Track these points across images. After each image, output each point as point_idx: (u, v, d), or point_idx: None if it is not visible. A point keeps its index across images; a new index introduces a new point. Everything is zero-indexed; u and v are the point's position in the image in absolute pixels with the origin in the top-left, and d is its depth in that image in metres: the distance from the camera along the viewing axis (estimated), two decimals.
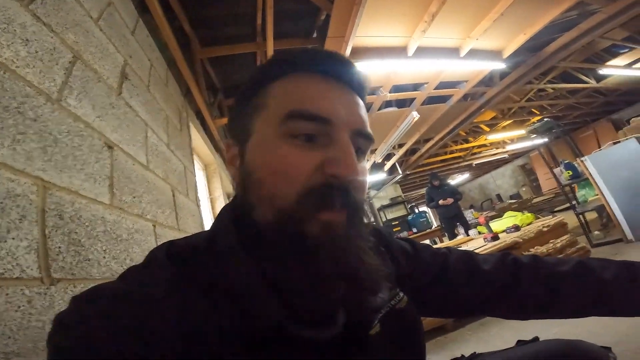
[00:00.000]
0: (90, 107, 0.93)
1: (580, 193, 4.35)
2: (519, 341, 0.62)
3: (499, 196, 12.24)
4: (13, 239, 0.59)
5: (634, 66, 5.38)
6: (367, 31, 2.49)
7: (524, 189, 11.96)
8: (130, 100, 1.26)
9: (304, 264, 0.36)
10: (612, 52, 4.98)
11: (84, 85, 0.94)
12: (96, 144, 0.95)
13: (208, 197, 2.96)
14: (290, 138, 0.39)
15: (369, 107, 4.03)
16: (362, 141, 0.43)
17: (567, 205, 4.43)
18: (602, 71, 5.23)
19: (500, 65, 3.36)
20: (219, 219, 0.44)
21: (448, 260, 0.59)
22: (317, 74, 0.42)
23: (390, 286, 0.47)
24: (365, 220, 0.43)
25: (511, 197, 10.70)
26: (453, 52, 3.04)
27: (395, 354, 0.45)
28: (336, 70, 0.43)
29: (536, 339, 0.60)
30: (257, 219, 0.39)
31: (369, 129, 0.44)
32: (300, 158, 0.38)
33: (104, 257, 0.86)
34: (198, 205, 2.02)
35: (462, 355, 0.63)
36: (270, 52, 2.34)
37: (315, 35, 2.60)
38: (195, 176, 2.16)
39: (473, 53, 3.08)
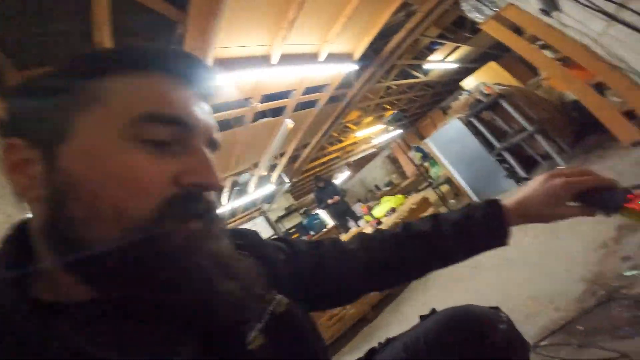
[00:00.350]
0: None
1: (433, 171, 5.24)
2: (420, 316, 0.64)
3: (377, 186, 13.68)
4: None
5: (446, 60, 6.83)
6: (227, 41, 2.43)
7: (394, 176, 13.69)
8: None
9: (159, 283, 0.32)
10: (431, 48, 6.19)
11: None
12: None
13: None
14: (138, 143, 0.33)
15: (241, 121, 3.96)
16: (213, 150, 0.41)
17: (426, 184, 5.30)
18: (426, 66, 6.42)
19: (353, 67, 3.76)
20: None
21: (322, 248, 0.61)
22: (169, 76, 0.37)
23: (262, 292, 0.43)
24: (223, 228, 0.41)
25: (386, 185, 12.11)
26: (313, 57, 3.24)
27: None
28: (194, 74, 0.40)
29: (434, 311, 0.63)
30: (86, 237, 0.31)
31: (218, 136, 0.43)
32: (154, 167, 0.33)
33: None
34: None
35: (379, 343, 0.64)
36: None
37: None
38: None
39: (330, 57, 3.35)
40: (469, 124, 3.75)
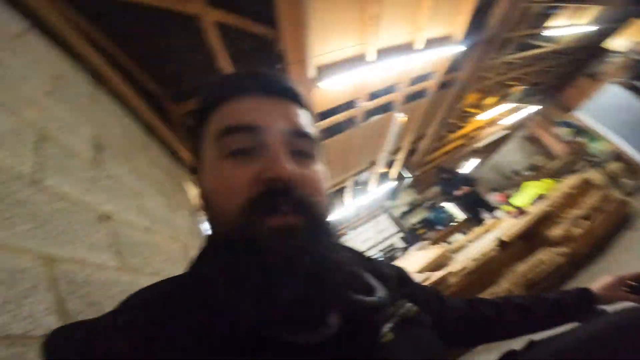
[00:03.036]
0: (72, 183, 0.98)
1: (593, 147, 4.28)
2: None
3: (515, 172, 11.93)
4: (31, 303, 0.64)
5: (575, 23, 5.55)
6: (322, 49, 2.59)
7: (537, 157, 11.67)
8: (114, 170, 1.29)
9: (259, 270, 0.36)
10: (548, 14, 5.17)
11: (58, 163, 0.96)
12: (91, 217, 1.00)
13: None
14: (227, 157, 0.41)
15: (353, 122, 4.11)
16: (302, 142, 0.44)
17: (583, 163, 4.35)
18: (551, 33, 5.42)
19: (458, 49, 3.46)
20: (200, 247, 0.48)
21: (429, 294, 0.66)
22: (244, 95, 0.45)
23: (393, 294, 0.48)
24: (329, 223, 0.43)
25: (528, 169, 10.43)
26: (410, 47, 3.14)
27: None
28: (261, 85, 0.46)
29: (602, 311, 0.63)
30: (218, 236, 0.43)
31: (309, 129, 0.46)
32: (237, 173, 0.40)
33: None
34: None
35: (513, 350, 0.59)
36: None
37: (278, 66, 2.69)
38: (202, 230, 2.20)
39: (428, 43, 3.19)
40: (632, 88, 2.98)
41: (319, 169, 0.45)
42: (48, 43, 1.35)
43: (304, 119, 0.47)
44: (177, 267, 1.39)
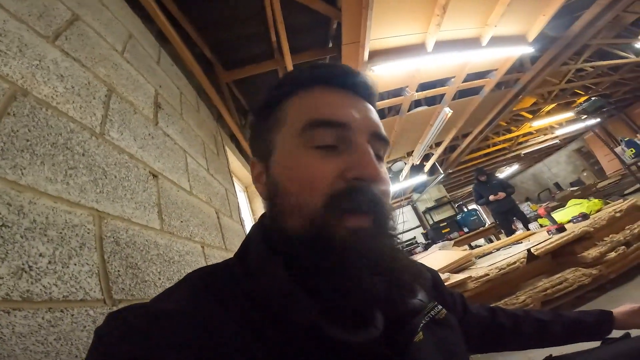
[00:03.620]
0: (131, 138, 1.00)
1: None
2: (606, 339, 0.62)
3: (557, 185, 11.32)
4: (75, 264, 0.64)
5: None
6: (381, 33, 2.48)
7: (584, 174, 10.95)
8: (167, 129, 1.32)
9: (334, 269, 0.36)
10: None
11: (122, 117, 1.00)
12: (142, 174, 1.03)
13: (252, 217, 3.05)
14: (311, 148, 0.41)
15: (398, 110, 3.97)
16: (380, 145, 0.45)
17: (638, 186, 4.01)
18: (638, 45, 4.93)
19: (527, 50, 3.18)
20: (249, 235, 0.46)
21: (455, 299, 0.68)
22: (328, 87, 0.45)
23: (428, 296, 0.48)
24: (394, 226, 0.43)
25: (572, 185, 9.84)
26: (474, 42, 2.93)
27: None
28: (345, 81, 0.46)
29: (627, 335, 0.58)
30: (287, 228, 0.40)
31: (384, 132, 0.46)
32: (322, 166, 0.40)
33: (159, 279, 0.91)
34: (242, 226, 2.09)
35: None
36: (289, 67, 2.41)
37: (330, 44, 2.62)
38: (237, 198, 2.24)
39: (495, 40, 2.95)
40: None
41: (386, 172, 0.46)
42: (122, 2, 1.39)
43: (379, 120, 0.47)
44: (209, 233, 1.43)
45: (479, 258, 2.99)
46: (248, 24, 2.22)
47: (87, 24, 1.03)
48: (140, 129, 1.08)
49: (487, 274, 2.25)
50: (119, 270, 0.75)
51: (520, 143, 8.68)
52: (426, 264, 0.63)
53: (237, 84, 2.81)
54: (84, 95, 0.86)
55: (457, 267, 2.68)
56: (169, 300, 0.37)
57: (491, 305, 0.73)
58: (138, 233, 0.91)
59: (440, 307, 0.51)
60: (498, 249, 3.11)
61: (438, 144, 5.89)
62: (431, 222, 8.35)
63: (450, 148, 6.77)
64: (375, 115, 0.47)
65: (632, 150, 3.59)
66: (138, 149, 1.03)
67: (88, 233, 0.71)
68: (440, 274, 2.39)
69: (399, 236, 0.43)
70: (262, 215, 0.49)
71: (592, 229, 2.43)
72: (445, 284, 2.18)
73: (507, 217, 4.82)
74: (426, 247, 5.82)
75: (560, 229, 2.63)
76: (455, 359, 0.47)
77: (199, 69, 1.98)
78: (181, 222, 1.23)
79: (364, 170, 0.39)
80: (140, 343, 0.30)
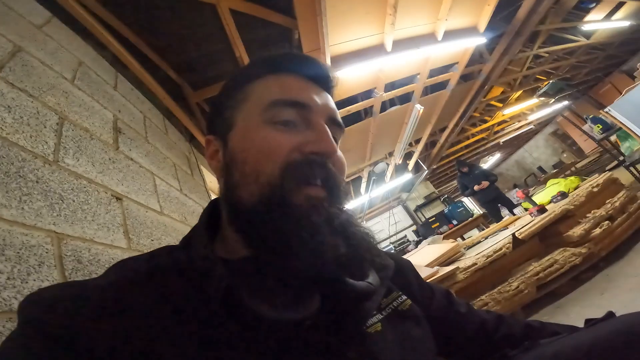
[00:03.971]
0: (89, 164, 1.02)
1: (625, 145, 4.07)
2: (587, 321, 0.51)
3: (540, 168, 11.54)
4: (34, 280, 0.67)
5: (612, 18, 5.25)
6: (339, 38, 2.56)
7: (564, 155, 11.24)
8: (130, 153, 1.34)
9: (287, 234, 0.38)
10: (583, 8, 4.94)
11: (77, 144, 1.02)
12: (103, 197, 1.04)
13: None
14: (272, 124, 0.44)
15: (370, 112, 4.06)
16: (336, 129, 0.49)
17: (616, 162, 4.16)
18: (585, 27, 5.18)
19: (481, 40, 3.33)
20: (200, 216, 0.49)
21: (434, 294, 0.59)
22: (292, 73, 0.49)
23: (389, 285, 0.49)
24: (346, 201, 0.46)
25: (554, 167, 10.06)
26: (430, 37, 3.05)
27: (399, 356, 0.42)
28: (309, 70, 0.50)
29: (610, 315, 0.47)
30: (242, 197, 0.42)
31: (340, 119, 0.51)
32: (282, 138, 0.43)
33: None
34: None
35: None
36: None
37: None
38: None
39: (450, 34, 3.08)
40: None
41: (342, 155, 0.49)
42: (69, 32, 1.39)
43: (336, 108, 0.51)
44: None
45: (468, 249, 3.00)
46: (210, 43, 2.25)
47: (31, 55, 1.05)
48: (98, 154, 1.10)
49: (475, 263, 2.26)
50: None
51: (497, 132, 8.90)
52: (416, 261, 0.60)
53: (209, 102, 2.78)
54: (34, 125, 0.88)
55: (447, 260, 2.68)
56: (103, 276, 0.39)
57: (500, 313, 0.61)
58: (102, 252, 0.93)
59: (404, 297, 0.49)
60: (486, 238, 3.12)
61: (417, 141, 6.00)
62: (423, 219, 8.42)
63: (431, 144, 6.90)
64: (333, 104, 0.51)
65: (599, 126, 3.73)
66: (97, 173, 1.06)
67: (47, 252, 0.74)
68: (430, 268, 2.41)
69: (352, 216, 0.44)
70: (214, 200, 0.52)
71: (572, 207, 2.46)
72: (434, 277, 2.21)
73: (494, 206, 4.87)
74: (417, 244, 5.85)
75: (541, 210, 2.67)
76: (417, 356, 0.44)
77: (163, 91, 2.00)
78: (152, 240, 1.24)
79: (322, 145, 0.43)
80: (46, 312, 0.31)
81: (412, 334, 0.45)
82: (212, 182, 2.74)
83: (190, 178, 2.08)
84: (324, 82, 0.52)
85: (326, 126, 0.45)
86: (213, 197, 2.69)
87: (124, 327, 0.32)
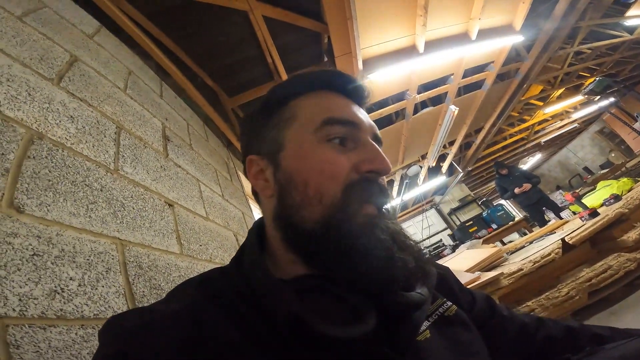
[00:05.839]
0: (144, 172, 1.08)
1: None
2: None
3: (586, 169, 10.80)
4: (103, 287, 0.70)
5: None
6: (371, 41, 2.55)
7: (612, 154, 10.45)
8: (178, 161, 1.40)
9: (357, 252, 0.39)
10: (624, 3, 4.64)
11: (133, 152, 1.07)
12: (158, 204, 1.10)
13: None
14: (326, 142, 0.44)
15: (402, 114, 4.00)
16: (379, 144, 0.49)
17: None
18: (627, 22, 4.91)
19: (518, 38, 3.20)
20: (245, 241, 0.49)
21: (475, 299, 0.59)
22: (333, 91, 0.50)
23: (433, 293, 0.48)
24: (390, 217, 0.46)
25: (601, 167, 9.39)
26: (464, 37, 2.96)
27: None
28: (347, 87, 0.51)
29: None
30: (304, 216, 0.42)
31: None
32: (340, 158, 0.43)
33: None
34: None
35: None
36: None
37: (325, 59, 2.69)
38: (254, 219, 2.30)
39: (484, 33, 2.98)
40: None
41: None
42: (117, 41, 1.45)
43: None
44: (229, 255, 1.47)
45: (511, 254, 2.86)
46: (243, 49, 2.30)
47: (87, 64, 1.10)
48: (152, 162, 1.16)
49: (521, 269, 2.15)
50: (143, 291, 0.81)
51: (538, 131, 8.45)
52: (454, 266, 0.59)
53: (243, 107, 2.87)
54: (95, 134, 0.92)
55: (488, 265, 2.56)
56: (166, 302, 0.40)
57: (539, 316, 0.61)
58: (159, 257, 0.97)
59: (449, 303, 0.49)
60: (531, 242, 2.96)
61: (451, 143, 5.83)
62: (458, 222, 8.13)
63: (465, 145, 6.67)
64: (371, 120, 0.52)
65: None
66: (152, 181, 1.11)
67: (112, 259, 0.78)
68: (470, 274, 2.33)
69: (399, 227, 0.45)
70: (259, 220, 0.52)
71: (626, 210, 2.28)
72: (477, 282, 2.13)
73: (538, 209, 4.59)
74: (454, 248, 5.65)
75: (593, 213, 2.50)
76: (472, 358, 0.44)
77: (202, 98, 2.07)
78: (200, 245, 1.29)
79: (379, 165, 0.44)
80: (130, 343, 0.32)
81: (462, 339, 0.45)
82: (248, 187, 2.80)
83: (230, 183, 2.14)
84: (362, 99, 0.53)
85: (375, 144, 0.46)
86: (250, 202, 2.77)
87: (202, 350, 0.33)
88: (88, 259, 0.71)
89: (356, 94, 0.52)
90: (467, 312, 0.51)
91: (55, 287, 0.60)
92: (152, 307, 0.38)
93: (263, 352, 0.34)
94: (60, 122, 0.82)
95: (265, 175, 0.48)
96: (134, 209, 0.95)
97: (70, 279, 0.64)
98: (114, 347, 0.32)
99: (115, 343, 0.33)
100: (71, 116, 0.87)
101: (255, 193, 0.53)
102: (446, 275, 0.60)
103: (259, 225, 0.51)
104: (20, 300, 0.53)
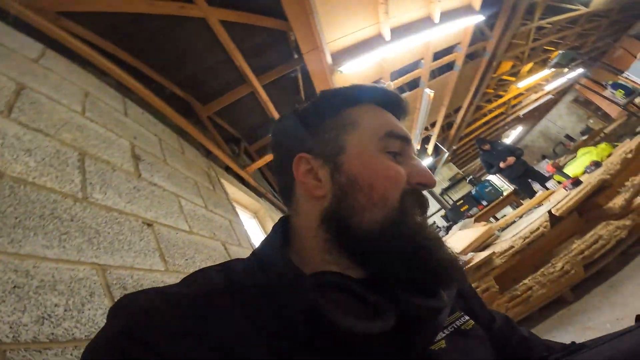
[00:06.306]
0: (116, 195, 1.07)
1: None
2: (638, 317, 0.50)
3: (568, 136, 11.03)
4: (89, 310, 0.72)
5: None
6: (336, 34, 2.54)
7: (591, 121, 10.69)
8: (153, 179, 1.38)
9: (408, 258, 0.41)
10: None
11: (102, 178, 1.05)
12: (135, 225, 1.10)
13: None
14: (385, 153, 0.47)
15: None
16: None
17: None
18: None
19: (478, 18, 3.26)
20: (269, 234, 0.50)
21: (494, 318, 0.58)
22: (382, 106, 0.53)
23: (450, 302, 0.49)
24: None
25: (582, 133, 9.60)
26: (427, 21, 2.99)
27: None
28: (395, 104, 0.54)
29: None
30: (364, 217, 0.43)
31: None
32: (399, 168, 0.46)
33: None
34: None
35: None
36: (259, 89, 2.49)
37: (296, 56, 2.67)
38: (243, 225, 2.30)
39: (446, 15, 3.02)
40: None
41: None
42: (66, 62, 1.39)
43: None
44: None
45: (502, 230, 2.90)
46: (209, 55, 2.27)
47: (36, 91, 1.05)
48: (123, 184, 1.15)
49: (512, 246, 2.16)
50: None
51: (515, 105, 8.66)
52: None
53: (220, 114, 2.83)
54: (57, 165, 0.91)
55: (481, 245, 2.59)
56: (182, 285, 0.39)
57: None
58: (144, 276, 0.98)
59: (467, 317, 0.50)
60: (520, 217, 3.00)
61: (433, 125, 5.89)
62: (451, 202, 8.23)
63: (447, 125, 6.77)
64: None
65: (620, 92, 3.59)
66: (126, 203, 1.11)
67: (94, 283, 0.79)
68: (463, 256, 2.34)
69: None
70: (283, 218, 0.53)
71: (608, 176, 2.28)
72: (470, 264, 2.15)
73: (525, 181, 4.66)
74: (448, 230, 5.72)
75: (576, 182, 2.51)
76: None
77: (172, 110, 2.03)
78: (186, 260, 1.29)
79: (428, 180, 0.47)
80: (137, 322, 0.32)
81: (476, 354, 0.46)
82: (234, 194, 2.80)
83: (213, 193, 2.13)
84: (405, 117, 0.56)
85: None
86: (237, 208, 2.76)
87: (212, 340, 0.33)
88: (69, 286, 0.72)
89: (403, 112, 0.55)
90: (485, 330, 0.52)
91: (42, 313, 0.63)
92: (165, 289, 0.38)
93: (273, 345, 0.34)
94: (17, 157, 0.81)
95: (317, 174, 0.48)
96: (109, 233, 0.96)
97: (55, 305, 0.67)
98: (121, 323, 0.33)
99: (123, 320, 0.33)
100: (28, 149, 0.86)
101: (286, 191, 0.52)
102: (468, 288, 0.61)
103: (283, 222, 0.52)
104: (11, 327, 0.57)
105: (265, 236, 0.50)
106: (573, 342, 0.52)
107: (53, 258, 0.74)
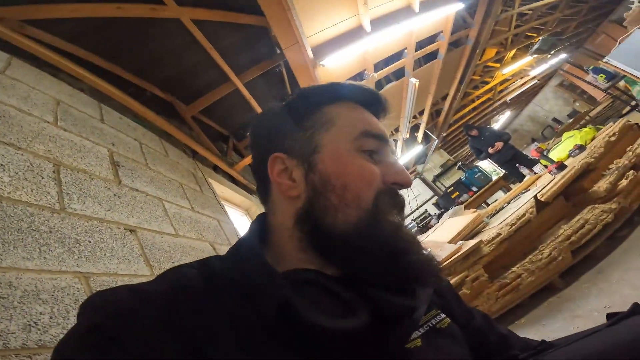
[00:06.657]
0: (96, 204, 1.08)
1: (636, 89, 3.94)
2: (608, 316, 0.49)
3: (555, 119, 11.16)
4: (75, 316, 0.73)
5: None
6: (315, 28, 2.50)
7: (577, 104, 10.82)
8: (134, 184, 1.38)
9: (382, 260, 0.42)
10: None
11: (79, 187, 1.05)
12: (117, 233, 1.11)
13: None
14: (360, 152, 0.47)
15: None
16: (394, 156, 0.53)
17: (629, 107, 4.07)
18: None
19: (458, 6, 3.25)
20: (246, 232, 0.49)
21: (473, 315, 0.59)
22: (360, 105, 0.52)
23: (429, 304, 0.49)
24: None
25: (569, 116, 9.70)
26: (408, 10, 2.97)
27: None
28: (373, 103, 0.54)
29: (635, 309, 0.45)
30: (337, 217, 0.43)
31: None
32: (374, 168, 0.46)
33: None
34: None
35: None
36: (240, 87, 2.49)
37: (278, 51, 2.65)
38: (232, 224, 2.32)
39: (427, 4, 3.01)
40: None
41: None
42: (35, 71, 1.36)
43: None
44: None
45: (491, 217, 2.88)
46: (189, 55, 2.24)
47: (4, 103, 1.04)
48: (102, 192, 1.15)
49: (500, 234, 2.15)
50: None
51: (501, 91, 8.75)
52: (437, 238, 0.61)
53: (205, 112, 2.79)
54: (31, 178, 0.91)
55: (471, 232, 2.57)
56: (155, 282, 0.39)
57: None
58: (129, 282, 0.99)
59: (443, 315, 0.50)
60: (509, 202, 2.98)
61: (421, 113, 5.91)
62: (443, 188, 8.32)
63: (436, 113, 6.80)
64: None
65: (602, 76, 3.67)
66: (106, 211, 1.11)
67: (78, 291, 0.81)
68: (453, 245, 2.34)
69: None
70: (261, 215, 0.52)
71: (592, 160, 2.30)
72: (458, 253, 2.15)
73: (514, 165, 4.63)
74: (439, 217, 5.77)
75: (561, 166, 2.53)
76: None
77: (153, 113, 2.01)
78: (172, 263, 1.31)
79: (404, 179, 0.48)
80: (107, 318, 0.32)
81: (451, 353, 0.46)
82: (224, 193, 2.81)
83: (200, 194, 2.13)
84: (384, 115, 0.55)
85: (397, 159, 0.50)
86: (226, 206, 2.76)
87: (182, 337, 0.33)
88: (53, 295, 0.75)
89: (382, 111, 0.55)
90: (461, 328, 0.52)
91: (29, 321, 0.67)
92: (136, 287, 0.37)
93: (246, 342, 0.34)
94: None
95: (291, 174, 0.48)
96: (90, 242, 0.97)
97: (40, 313, 0.70)
98: (91, 320, 0.32)
99: (92, 317, 0.32)
100: (0, 164, 0.86)
101: (263, 190, 0.52)
102: (443, 288, 0.60)
103: (261, 219, 0.52)
104: (0, 335, 0.60)
105: (244, 233, 0.50)
106: (543, 341, 0.53)
107: (34, 269, 0.76)
